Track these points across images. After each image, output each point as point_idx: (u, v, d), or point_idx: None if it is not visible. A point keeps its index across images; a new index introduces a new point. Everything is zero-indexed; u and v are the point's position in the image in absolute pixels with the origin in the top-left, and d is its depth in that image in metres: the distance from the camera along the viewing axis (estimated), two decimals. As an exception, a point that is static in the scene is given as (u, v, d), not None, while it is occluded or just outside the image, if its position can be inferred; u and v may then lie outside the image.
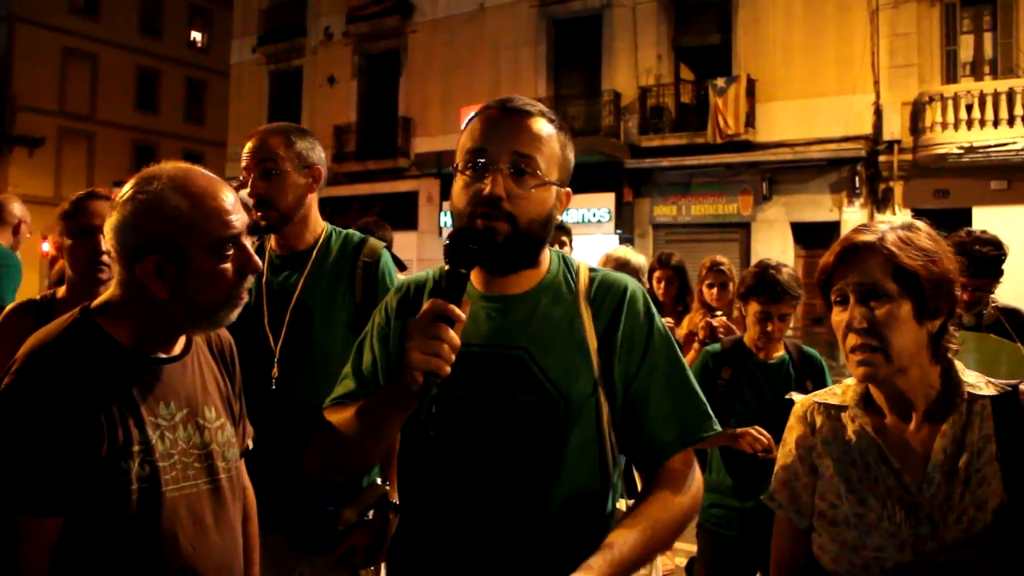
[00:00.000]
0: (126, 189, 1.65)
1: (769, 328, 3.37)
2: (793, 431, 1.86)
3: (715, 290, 4.99)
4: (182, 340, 1.77)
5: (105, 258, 2.51)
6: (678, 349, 1.69)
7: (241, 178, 2.57)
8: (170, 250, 1.61)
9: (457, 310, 1.40)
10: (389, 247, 2.69)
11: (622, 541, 1.46)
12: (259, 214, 2.52)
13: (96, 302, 1.70)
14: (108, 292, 1.70)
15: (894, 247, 1.63)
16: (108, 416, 1.55)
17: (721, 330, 4.46)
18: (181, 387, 1.71)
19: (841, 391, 1.83)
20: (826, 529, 1.72)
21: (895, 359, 1.62)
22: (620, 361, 1.61)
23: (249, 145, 2.56)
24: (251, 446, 2.01)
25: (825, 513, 1.73)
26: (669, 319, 5.07)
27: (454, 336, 1.39)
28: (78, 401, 1.53)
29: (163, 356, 1.71)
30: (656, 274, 5.59)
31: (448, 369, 1.39)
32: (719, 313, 4.73)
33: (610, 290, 1.67)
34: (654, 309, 1.69)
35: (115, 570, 1.56)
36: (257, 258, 1.71)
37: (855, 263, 1.66)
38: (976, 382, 1.69)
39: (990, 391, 1.67)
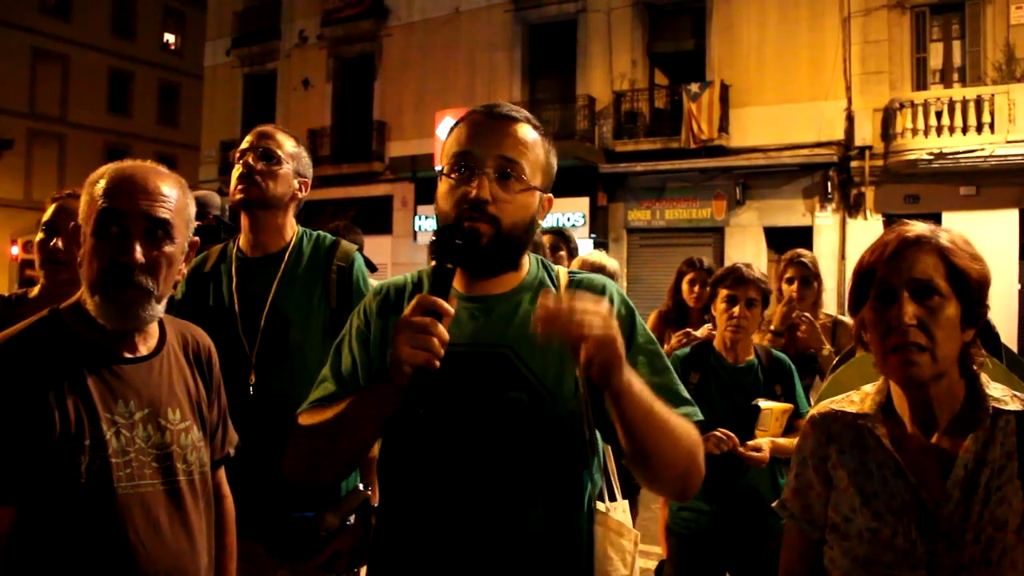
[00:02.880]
0: None
1: (736, 311, 3.36)
2: (808, 439, 1.76)
3: (795, 285, 4.38)
4: (152, 340, 1.77)
5: (60, 256, 2.47)
6: (660, 346, 1.69)
7: (234, 157, 2.58)
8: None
9: (445, 304, 1.41)
10: (360, 251, 2.68)
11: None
12: (241, 187, 2.49)
13: (67, 302, 1.71)
14: (79, 292, 1.70)
15: (950, 244, 1.57)
16: (61, 407, 1.55)
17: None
18: (144, 387, 1.70)
19: (859, 399, 1.73)
20: (838, 543, 1.65)
21: (940, 362, 1.54)
22: None
23: (256, 132, 2.58)
24: (233, 454, 2.00)
25: (838, 526, 1.66)
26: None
27: (443, 330, 1.40)
28: (30, 388, 1.54)
29: (128, 356, 1.70)
30: (688, 276, 5.07)
31: (437, 363, 1.40)
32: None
33: (590, 288, 1.67)
34: (633, 306, 1.69)
35: (65, 564, 1.56)
36: (137, 252, 1.62)
37: (908, 258, 1.57)
38: (1002, 396, 1.61)
39: (1015, 406, 1.59)
